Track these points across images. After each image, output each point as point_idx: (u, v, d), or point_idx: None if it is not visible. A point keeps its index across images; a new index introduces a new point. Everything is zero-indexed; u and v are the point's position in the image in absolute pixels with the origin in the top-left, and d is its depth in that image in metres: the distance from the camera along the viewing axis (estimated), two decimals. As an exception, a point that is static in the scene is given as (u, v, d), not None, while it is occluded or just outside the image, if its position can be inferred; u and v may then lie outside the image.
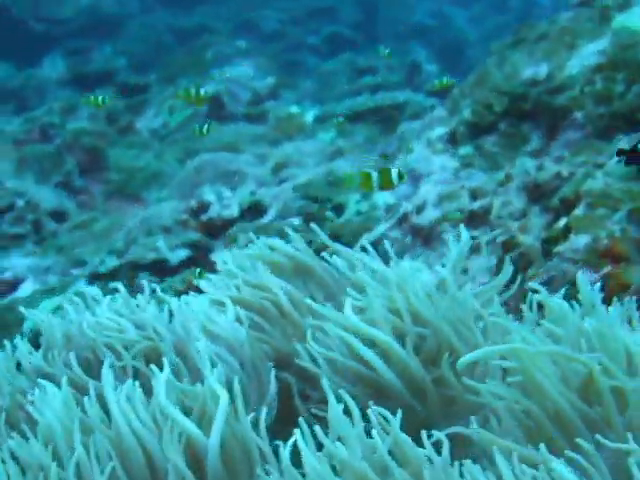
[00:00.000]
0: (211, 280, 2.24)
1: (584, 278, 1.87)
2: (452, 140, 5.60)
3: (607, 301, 2.51)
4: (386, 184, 1.86)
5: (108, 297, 2.21)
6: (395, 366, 1.68)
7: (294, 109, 8.74)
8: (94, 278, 5.15)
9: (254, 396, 1.81)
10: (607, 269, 2.53)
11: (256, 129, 8.46)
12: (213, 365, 1.74)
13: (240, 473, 1.47)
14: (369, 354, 1.72)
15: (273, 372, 1.87)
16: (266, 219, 4.94)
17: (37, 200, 6.08)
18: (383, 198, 5.61)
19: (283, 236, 2.50)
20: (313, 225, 2.22)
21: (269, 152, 6.91)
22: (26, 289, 5.21)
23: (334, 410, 1.46)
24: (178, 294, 2.61)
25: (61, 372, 1.86)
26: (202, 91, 5.78)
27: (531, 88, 5.10)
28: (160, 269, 5.23)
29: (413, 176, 5.69)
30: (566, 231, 2.69)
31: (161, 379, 1.64)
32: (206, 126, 5.12)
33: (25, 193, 5.83)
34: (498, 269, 2.87)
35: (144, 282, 2.42)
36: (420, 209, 3.54)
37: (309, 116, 8.73)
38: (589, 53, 5.03)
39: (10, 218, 5.54)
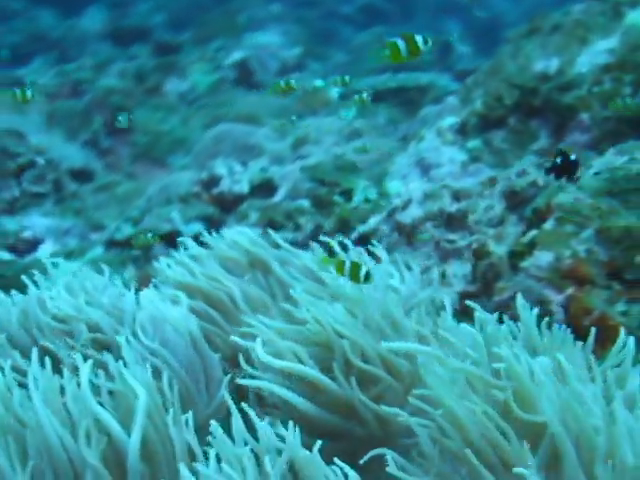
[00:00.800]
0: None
1: (522, 302, 2.04)
2: (462, 131, 5.71)
3: (570, 324, 2.66)
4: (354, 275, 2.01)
5: (67, 276, 2.36)
6: (323, 395, 1.81)
7: (319, 83, 8.82)
8: (110, 245, 5.39)
9: (203, 395, 1.98)
10: (570, 291, 2.65)
11: (280, 101, 8.57)
12: (150, 359, 1.89)
13: (161, 470, 1.63)
14: (284, 392, 1.80)
15: (226, 379, 1.95)
16: (276, 198, 5.13)
17: (59, 159, 6.31)
18: (394, 186, 5.76)
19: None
20: (270, 231, 2.39)
21: (289, 127, 7.05)
22: (46, 250, 5.47)
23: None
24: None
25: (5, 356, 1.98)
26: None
27: (541, 83, 5.16)
28: (174, 240, 5.45)
29: (423, 165, 5.83)
30: (531, 246, 2.80)
31: (85, 375, 1.71)
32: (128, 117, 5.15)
33: (47, 151, 6.06)
34: (473, 276, 3.02)
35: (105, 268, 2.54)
36: (405, 206, 3.67)
37: (334, 92, 8.80)
38: (599, 51, 5.05)
39: (31, 176, 5.77)
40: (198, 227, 5.45)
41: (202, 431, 1.67)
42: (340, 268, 1.98)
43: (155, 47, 10.96)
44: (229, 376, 1.97)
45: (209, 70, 8.76)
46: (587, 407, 1.57)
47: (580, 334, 2.61)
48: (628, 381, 1.75)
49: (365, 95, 6.53)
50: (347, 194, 5.05)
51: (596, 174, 2.90)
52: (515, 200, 3.33)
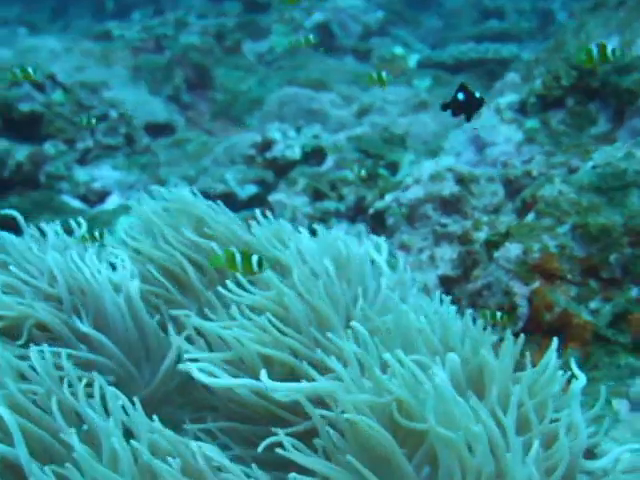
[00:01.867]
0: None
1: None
2: (521, 110, 5.65)
3: (532, 318, 2.70)
4: (247, 269, 2.07)
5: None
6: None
7: (398, 50, 8.83)
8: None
9: (144, 370, 2.15)
10: (536, 285, 2.68)
11: (356, 67, 8.65)
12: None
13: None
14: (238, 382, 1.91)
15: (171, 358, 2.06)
16: (324, 167, 5.28)
17: (135, 112, 6.66)
18: (447, 162, 5.80)
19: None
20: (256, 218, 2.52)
21: (357, 94, 7.16)
22: (112, 202, 5.85)
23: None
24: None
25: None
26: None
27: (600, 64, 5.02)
28: (229, 202, 5.72)
29: (477, 143, 5.83)
30: (505, 237, 2.83)
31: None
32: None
33: (122, 104, 6.41)
34: (459, 261, 3.09)
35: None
36: (410, 186, 3.73)
37: (412, 60, 8.79)
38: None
39: (104, 128, 6.14)
40: (252, 189, 5.70)
41: (147, 407, 1.83)
42: (231, 262, 2.04)
43: (245, 4, 11.17)
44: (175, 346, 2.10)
45: (288, 31, 8.91)
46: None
47: (541, 329, 2.67)
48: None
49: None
50: (393, 167, 5.14)
51: (593, 168, 2.89)
52: (511, 188, 3.35)
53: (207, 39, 8.70)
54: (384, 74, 5.77)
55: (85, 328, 2.11)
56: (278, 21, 9.10)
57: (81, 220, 2.92)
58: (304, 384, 1.79)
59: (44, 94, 6.16)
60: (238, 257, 2.06)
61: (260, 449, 1.77)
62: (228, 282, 2.12)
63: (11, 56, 7.99)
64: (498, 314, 2.58)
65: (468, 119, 2.49)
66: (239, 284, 2.14)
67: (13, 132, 5.82)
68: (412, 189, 3.59)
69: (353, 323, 1.92)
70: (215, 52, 8.68)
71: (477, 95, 2.46)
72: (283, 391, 1.80)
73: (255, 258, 2.06)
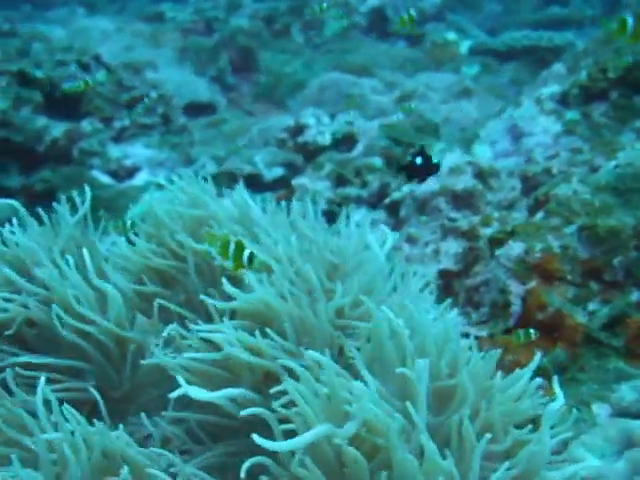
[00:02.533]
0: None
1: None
2: (563, 101, 5.47)
3: (524, 317, 2.61)
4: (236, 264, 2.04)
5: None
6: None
7: (451, 36, 8.65)
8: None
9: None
10: (532, 284, 2.59)
11: (406, 53, 8.52)
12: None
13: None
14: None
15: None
16: (352, 154, 5.23)
17: (176, 93, 6.75)
18: (481, 151, 5.66)
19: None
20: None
21: (401, 80, 7.05)
22: (140, 179, 5.97)
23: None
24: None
25: None
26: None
27: (651, 56, 4.81)
28: (255, 183, 5.76)
29: (514, 132, 5.67)
30: (510, 235, 2.74)
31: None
32: None
33: (162, 85, 6.50)
34: (462, 256, 3.00)
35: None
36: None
37: (464, 46, 8.60)
38: None
39: (142, 108, 6.25)
40: (279, 172, 5.70)
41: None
42: (225, 249, 2.02)
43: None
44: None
45: (340, 15, 8.83)
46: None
47: (533, 328, 2.57)
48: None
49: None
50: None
51: (615, 167, 2.76)
52: (528, 185, 3.23)
53: (256, 22, 8.72)
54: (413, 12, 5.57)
55: (66, 332, 2.16)
56: (330, 4, 9.01)
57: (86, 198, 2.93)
58: (303, 437, 1.75)
59: (88, 74, 6.30)
60: (232, 247, 2.05)
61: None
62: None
63: (64, 36, 8.21)
64: (531, 332, 2.48)
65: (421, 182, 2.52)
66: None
67: (54, 110, 5.98)
68: (428, 182, 3.52)
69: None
70: (263, 35, 8.70)
71: (434, 161, 2.48)
72: (284, 449, 1.77)
73: (247, 253, 2.04)
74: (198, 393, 1.85)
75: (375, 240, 2.42)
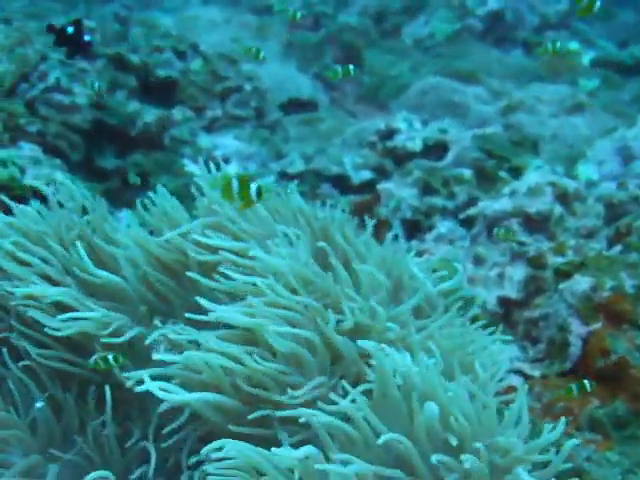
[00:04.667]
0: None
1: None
2: (686, 123, 5.13)
3: (583, 361, 2.41)
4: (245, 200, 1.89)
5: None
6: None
7: (573, 45, 8.29)
8: (282, 176, 5.82)
9: None
10: (596, 326, 2.39)
11: (523, 60, 8.24)
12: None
13: None
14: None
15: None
16: (443, 162, 5.10)
17: (272, 87, 6.82)
18: (585, 171, 5.39)
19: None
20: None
21: (510, 90, 6.81)
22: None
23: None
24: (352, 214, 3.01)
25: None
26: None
27: None
28: (341, 184, 5.72)
29: (624, 154, 5.36)
30: (578, 268, 2.54)
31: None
32: None
33: (257, 78, 6.58)
34: (526, 284, 2.82)
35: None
36: (501, 196, 3.46)
37: (586, 57, 8.22)
38: None
39: (235, 100, 6.35)
40: (367, 175, 5.64)
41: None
42: (228, 189, 1.90)
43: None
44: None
45: (452, 17, 8.66)
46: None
47: (592, 374, 2.37)
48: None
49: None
50: (516, 171, 4.84)
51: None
52: (612, 213, 3.01)
53: (364, 20, 8.69)
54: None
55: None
56: (444, 6, 8.86)
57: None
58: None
59: (184, 62, 6.46)
60: (235, 184, 1.93)
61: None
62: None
63: (171, 24, 8.45)
64: (587, 385, 2.32)
65: (69, 55, 2.43)
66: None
67: (148, 96, 6.17)
68: (502, 200, 3.37)
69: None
70: (371, 34, 8.65)
71: (86, 39, 2.39)
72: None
73: (254, 186, 1.92)
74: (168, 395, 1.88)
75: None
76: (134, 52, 5.98)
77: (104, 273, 2.39)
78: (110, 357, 2.22)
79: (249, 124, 6.49)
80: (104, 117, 5.88)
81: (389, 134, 5.52)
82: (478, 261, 3.12)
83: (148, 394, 2.11)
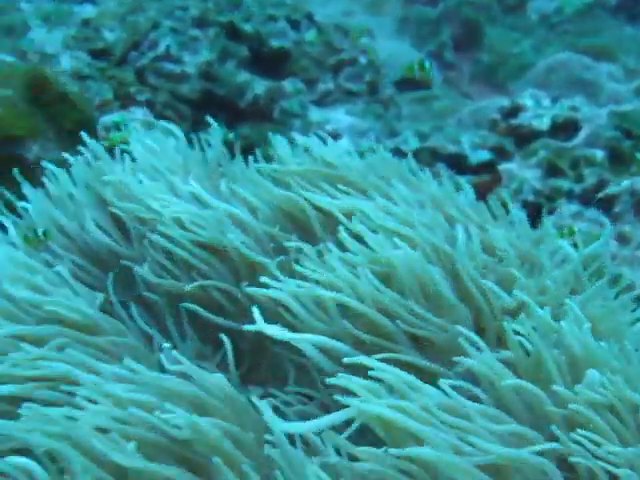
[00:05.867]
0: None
1: None
2: None
3: None
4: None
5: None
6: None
7: None
8: (395, 153, 5.60)
9: None
10: None
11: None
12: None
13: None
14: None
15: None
16: (570, 143, 4.76)
17: (386, 62, 6.61)
18: None
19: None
20: None
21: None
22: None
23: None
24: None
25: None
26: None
27: None
28: (458, 164, 5.46)
29: None
30: None
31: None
32: None
33: (372, 51, 6.39)
34: None
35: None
36: None
37: None
38: None
39: (348, 73, 6.18)
40: (485, 155, 5.35)
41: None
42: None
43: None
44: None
45: (582, -8, 8.15)
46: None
47: None
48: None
49: None
50: (656, 153, 4.45)
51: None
52: None
53: (487, -7, 8.31)
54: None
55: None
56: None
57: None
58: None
59: (298, 32, 6.34)
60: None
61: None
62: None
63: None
64: None
65: None
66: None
67: (258, 66, 6.09)
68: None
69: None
70: (493, 9, 8.27)
71: None
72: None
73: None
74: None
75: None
76: (247, 21, 5.90)
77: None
78: (40, 231, 2.34)
79: (361, 99, 6.30)
80: (213, 88, 5.84)
81: (514, 111, 5.23)
82: (623, 239, 2.86)
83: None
